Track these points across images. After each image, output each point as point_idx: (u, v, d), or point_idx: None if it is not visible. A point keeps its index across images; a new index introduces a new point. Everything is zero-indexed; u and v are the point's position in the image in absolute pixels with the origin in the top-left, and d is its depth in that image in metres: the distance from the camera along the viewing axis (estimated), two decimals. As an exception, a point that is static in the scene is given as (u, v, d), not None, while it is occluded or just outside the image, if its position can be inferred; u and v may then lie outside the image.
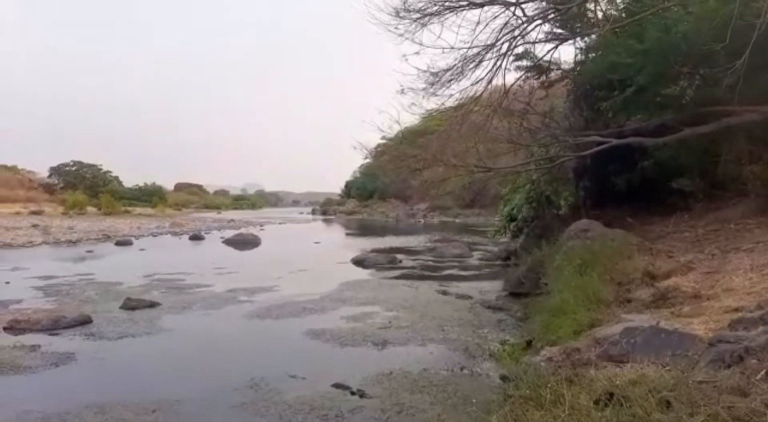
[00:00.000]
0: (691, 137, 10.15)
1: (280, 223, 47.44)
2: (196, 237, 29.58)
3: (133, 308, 10.09)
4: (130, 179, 77.43)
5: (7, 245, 23.03)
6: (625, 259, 8.01)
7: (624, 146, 11.08)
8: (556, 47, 13.81)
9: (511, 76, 14.37)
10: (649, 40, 9.99)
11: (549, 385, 3.58)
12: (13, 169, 67.70)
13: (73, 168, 71.47)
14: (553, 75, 14.92)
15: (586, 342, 5.19)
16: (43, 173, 71.99)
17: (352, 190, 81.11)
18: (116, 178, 74.91)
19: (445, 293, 11.80)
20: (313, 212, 79.61)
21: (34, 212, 45.06)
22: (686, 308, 5.56)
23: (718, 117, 9.71)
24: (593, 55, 13.42)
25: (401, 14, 12.51)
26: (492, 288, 12.25)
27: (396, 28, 12.67)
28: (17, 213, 43.66)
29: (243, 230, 32.26)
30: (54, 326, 8.55)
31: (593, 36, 13.17)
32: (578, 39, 13.66)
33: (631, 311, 5.93)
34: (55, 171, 71.72)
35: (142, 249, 23.25)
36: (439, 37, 12.65)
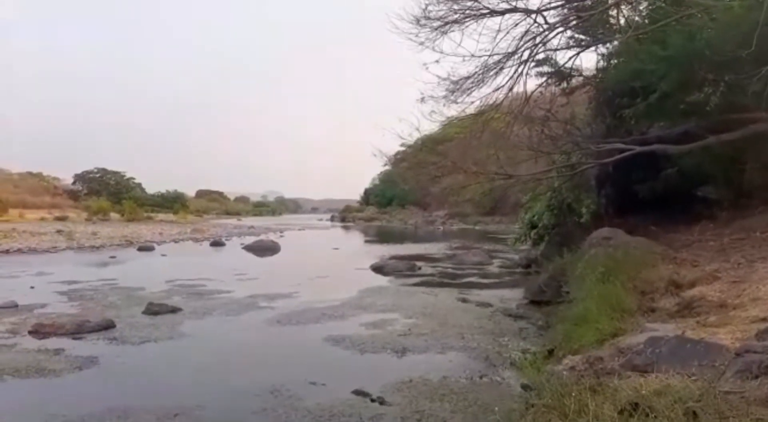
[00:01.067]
0: (716, 144, 10.00)
1: (299, 229, 47.65)
2: (216, 243, 29.83)
3: (155, 313, 10.20)
4: (152, 186, 78.49)
5: (32, 250, 23.45)
6: (648, 268, 7.89)
7: (647, 154, 10.95)
8: (578, 54, 13.73)
9: (532, 83, 14.33)
10: (672, 47, 9.87)
11: (572, 394, 3.53)
12: (38, 175, 69.10)
13: (98, 175, 72.70)
14: (574, 82, 14.80)
15: (610, 351, 5.11)
16: (68, 179, 73.41)
17: (370, 197, 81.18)
18: (139, 185, 75.99)
19: (465, 300, 11.73)
20: (332, 219, 79.76)
21: (58, 218, 45.82)
22: (712, 318, 5.46)
23: (743, 124, 9.56)
24: (615, 61, 13.30)
25: (422, 22, 12.53)
26: (513, 296, 12.15)
27: (416, 36, 12.70)
28: (42, 219, 44.44)
29: (263, 237, 32.47)
30: (78, 330, 8.68)
31: (615, 42, 13.05)
32: (600, 45, 13.55)
33: (655, 321, 5.85)
34: (80, 178, 73.03)
35: (163, 255, 23.52)
36: (459, 44, 12.66)
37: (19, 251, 23.23)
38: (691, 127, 10.60)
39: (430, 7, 12.32)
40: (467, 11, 12.32)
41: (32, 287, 13.36)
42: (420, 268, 17.69)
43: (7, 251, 22.69)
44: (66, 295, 12.39)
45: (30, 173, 68.17)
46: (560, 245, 12.71)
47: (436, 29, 12.58)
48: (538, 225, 15.76)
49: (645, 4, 12.91)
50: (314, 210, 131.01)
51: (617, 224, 11.72)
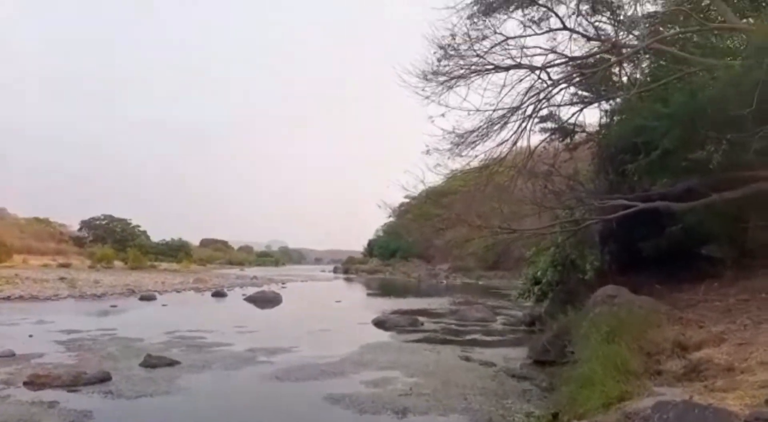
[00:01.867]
0: (719, 202, 9.98)
1: (302, 281, 47.37)
2: (218, 294, 29.63)
3: (153, 366, 10.01)
4: (158, 234, 78.59)
5: (33, 298, 23.31)
6: (654, 328, 7.75)
7: (650, 210, 10.94)
8: (581, 110, 13.98)
9: (536, 138, 14.52)
10: (674, 105, 10.02)
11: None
12: (45, 221, 69.45)
13: (104, 222, 72.99)
14: (577, 137, 15.01)
15: (616, 416, 4.96)
16: (74, 225, 73.70)
17: (374, 249, 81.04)
18: (144, 232, 76.14)
19: (468, 359, 11.50)
20: (335, 271, 79.40)
21: (62, 265, 45.75)
22: (720, 382, 5.32)
23: (746, 182, 9.58)
24: (618, 118, 13.51)
25: (428, 77, 12.86)
26: (516, 355, 11.91)
27: (423, 90, 13.00)
28: (46, 265, 44.39)
29: (265, 288, 32.24)
30: (73, 382, 8.50)
31: (618, 99, 13.30)
32: (603, 102, 13.80)
33: (662, 384, 5.70)
34: (86, 224, 73.30)
35: (164, 305, 23.32)
36: (464, 99, 12.91)
37: (21, 298, 23.09)
38: (695, 184, 10.62)
39: (436, 63, 12.65)
40: (473, 67, 12.64)
41: (31, 336, 13.20)
42: (422, 324, 17.44)
43: (8, 298, 22.55)
44: (64, 345, 12.23)
45: (37, 219, 68.56)
46: (564, 302, 12.55)
47: (442, 84, 12.89)
48: (541, 281, 15.63)
49: (647, 62, 13.25)
50: (317, 261, 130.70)
51: (621, 282, 11.60)
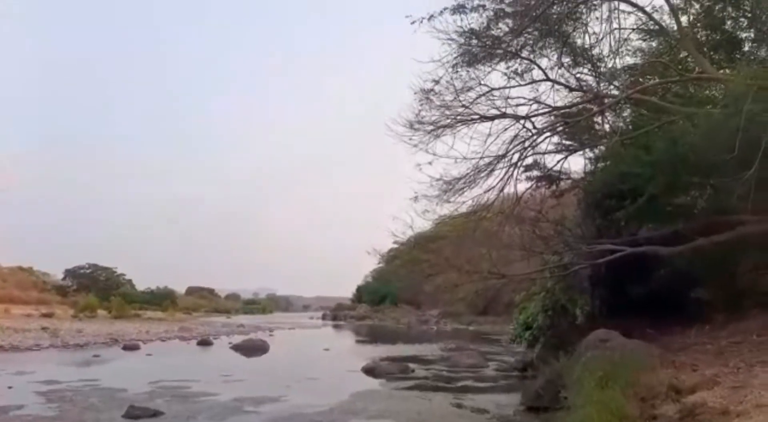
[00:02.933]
0: (706, 246, 10.11)
1: (289, 328, 46.65)
2: (204, 342, 29.04)
3: (136, 418, 9.71)
4: (143, 282, 77.41)
5: (14, 348, 22.66)
6: (647, 371, 7.70)
7: (638, 254, 11.03)
8: (566, 157, 14.24)
9: (523, 185, 14.70)
10: (656, 152, 10.25)
11: None
12: (28, 270, 68.23)
13: (88, 271, 71.93)
14: (563, 184, 15.23)
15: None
16: (58, 274, 72.50)
17: (363, 295, 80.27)
18: (129, 281, 75.02)
19: (460, 406, 11.28)
20: (324, 317, 78.33)
21: (44, 315, 44.65)
22: (716, 427, 5.26)
23: (731, 226, 9.73)
24: (602, 165, 13.76)
25: (415, 126, 13.09)
26: (509, 402, 11.71)
27: (410, 138, 13.21)
28: (28, 315, 43.36)
29: (252, 336, 31.67)
30: (53, 435, 8.23)
31: (602, 147, 13.57)
32: (587, 150, 14.07)
33: (658, 429, 5.62)
34: (70, 273, 72.16)
35: (149, 354, 22.78)
36: (451, 147, 13.13)
37: (1, 348, 22.46)
38: (681, 228, 10.78)
39: (423, 113, 12.92)
40: (458, 117, 12.91)
41: (10, 387, 12.80)
42: (413, 370, 17.16)
43: (-13, 349, 21.94)
44: (45, 396, 11.85)
45: (20, 268, 67.35)
46: (556, 347, 12.46)
47: (429, 133, 13.12)
48: (532, 326, 15.57)
49: (628, 111, 13.61)
50: (306, 308, 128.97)
51: (612, 326, 11.57)
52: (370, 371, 16.81)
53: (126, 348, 24.74)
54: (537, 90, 13.07)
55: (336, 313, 77.74)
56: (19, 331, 28.26)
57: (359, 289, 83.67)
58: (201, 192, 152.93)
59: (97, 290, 62.57)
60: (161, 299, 69.79)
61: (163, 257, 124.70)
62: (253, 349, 25.03)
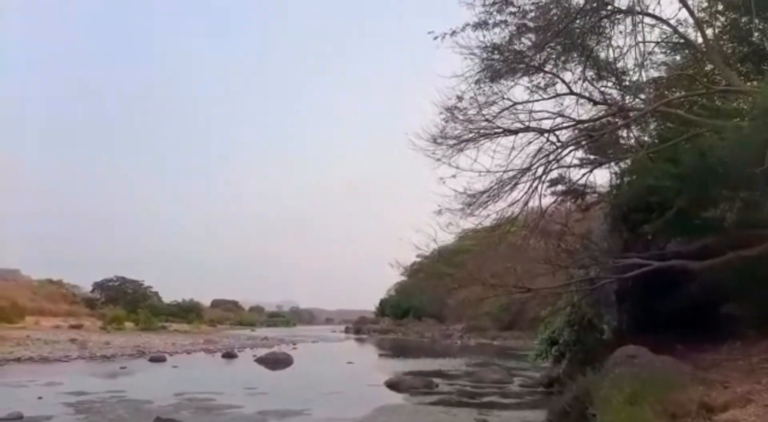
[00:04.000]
0: (736, 260, 9.88)
1: (313, 342, 46.74)
2: (228, 355, 29.27)
3: (161, 429, 9.84)
4: (170, 294, 78.33)
5: (43, 359, 23.16)
6: (677, 389, 7.54)
7: (667, 269, 10.84)
8: (591, 171, 14.06)
9: (548, 198, 14.57)
10: (684, 165, 10.09)
11: None
12: (58, 283, 69.62)
13: (116, 283, 73.02)
14: (588, 198, 15.04)
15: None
16: (87, 287, 73.80)
17: (386, 308, 80.00)
18: (156, 293, 75.95)
19: (484, 422, 11.19)
20: (347, 331, 78.31)
21: (73, 326, 45.51)
22: (750, 446, 5.14)
23: (762, 240, 9.50)
24: (629, 178, 13.58)
25: (438, 141, 13.09)
26: (535, 418, 11.59)
27: (433, 153, 13.19)
28: (57, 327, 44.22)
29: (276, 349, 31.87)
30: (82, 446, 8.37)
31: (627, 160, 13.41)
32: (612, 163, 13.91)
33: (689, 448, 5.51)
34: (99, 286, 73.36)
35: (174, 366, 23.05)
36: (475, 160, 13.07)
37: (31, 359, 22.98)
38: (710, 242, 10.55)
39: (446, 128, 12.93)
40: (482, 131, 12.90)
41: (40, 398, 13.09)
42: (437, 385, 17.05)
43: (18, 360, 22.45)
44: (73, 407, 12.09)
45: (50, 281, 68.75)
46: (582, 362, 12.28)
47: (452, 147, 13.11)
48: (558, 341, 15.32)
49: (654, 124, 13.44)
50: (328, 321, 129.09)
51: (640, 341, 11.36)
52: (393, 385, 16.74)
53: (152, 360, 25.12)
54: (561, 104, 13.02)
55: (359, 326, 77.63)
56: (48, 343, 28.87)
57: (382, 302, 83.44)
58: (226, 208, 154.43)
59: (125, 302, 63.48)
60: (187, 312, 70.61)
61: (189, 270, 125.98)
62: (277, 362, 25.17)
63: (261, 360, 25.71)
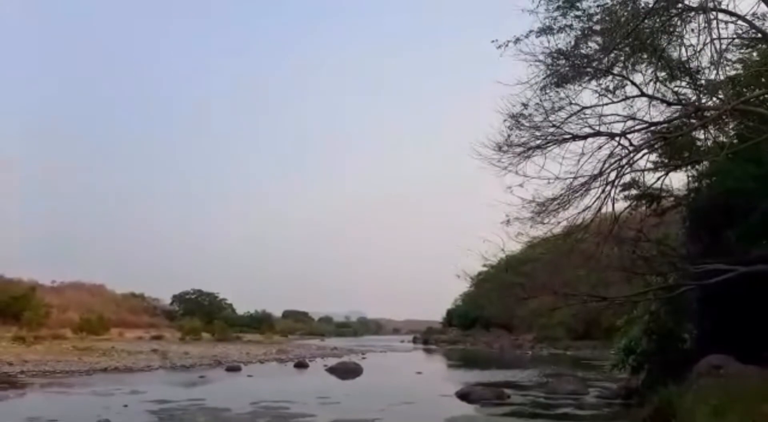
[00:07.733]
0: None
1: (381, 352, 46.95)
2: (300, 365, 29.86)
3: (241, 437, 10.17)
4: (243, 306, 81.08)
5: (128, 369, 24.41)
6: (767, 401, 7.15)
7: (752, 274, 10.29)
8: (666, 174, 13.54)
9: (621, 203, 14.12)
10: (767, 165, 9.61)
11: None
12: (140, 296, 73.35)
13: (193, 296, 76.13)
14: (664, 202, 14.48)
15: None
16: (167, 299, 77.39)
17: (453, 318, 79.46)
18: (230, 305, 78.71)
19: (561, 435, 10.93)
20: (414, 341, 78.20)
21: (154, 337, 47.84)
22: None
23: None
24: (708, 181, 13.01)
25: (503, 149, 12.94)
26: (614, 431, 11.20)
27: (499, 161, 13.04)
28: (140, 338, 46.56)
29: (345, 359, 32.25)
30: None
31: (705, 162, 12.84)
32: (689, 166, 13.36)
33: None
34: (177, 299, 76.72)
35: (249, 376, 23.75)
36: (542, 167, 12.82)
37: (116, 369, 24.28)
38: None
39: (511, 136, 12.78)
40: (549, 137, 12.65)
41: (126, 406, 13.77)
42: (509, 396, 16.76)
43: (105, 369, 23.78)
44: (156, 414, 12.66)
45: (133, 294, 72.49)
46: (662, 373, 11.79)
47: (519, 154, 12.90)
48: (636, 351, 14.77)
49: (733, 123, 12.82)
50: (396, 331, 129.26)
51: (724, 351, 10.81)
52: (464, 396, 16.59)
53: (228, 369, 26.01)
54: (632, 106, 12.60)
55: (426, 337, 77.45)
56: (132, 353, 30.42)
57: (449, 312, 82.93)
58: (295, 217, 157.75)
59: (202, 314, 65.97)
60: (259, 323, 72.73)
61: (261, 282, 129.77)
62: (347, 372, 25.47)
63: (332, 370, 26.10)
